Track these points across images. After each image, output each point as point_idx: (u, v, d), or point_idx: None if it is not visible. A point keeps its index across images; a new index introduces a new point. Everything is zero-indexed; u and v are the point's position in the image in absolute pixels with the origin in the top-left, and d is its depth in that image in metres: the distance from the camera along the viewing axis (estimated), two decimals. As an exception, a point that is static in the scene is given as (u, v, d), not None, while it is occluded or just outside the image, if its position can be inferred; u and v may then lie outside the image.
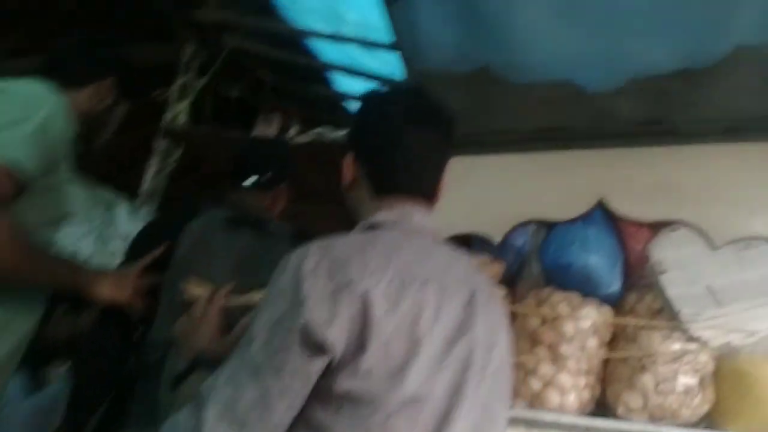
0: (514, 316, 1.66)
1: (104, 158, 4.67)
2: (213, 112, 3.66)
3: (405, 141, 1.06)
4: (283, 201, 1.72)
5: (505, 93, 1.58)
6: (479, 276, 1.07)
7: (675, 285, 1.44)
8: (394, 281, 0.90)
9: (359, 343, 0.86)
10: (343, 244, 0.95)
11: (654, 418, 1.41)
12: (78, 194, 2.81)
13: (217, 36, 3.50)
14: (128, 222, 3.20)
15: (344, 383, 0.85)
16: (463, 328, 0.95)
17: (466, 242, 1.76)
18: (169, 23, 3.82)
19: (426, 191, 1.12)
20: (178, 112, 3.01)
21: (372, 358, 0.86)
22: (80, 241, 2.92)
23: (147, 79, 3.76)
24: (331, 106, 4.24)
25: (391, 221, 1.04)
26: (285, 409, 0.85)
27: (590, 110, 1.59)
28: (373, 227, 1.03)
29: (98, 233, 3.01)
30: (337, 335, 0.85)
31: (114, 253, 3.10)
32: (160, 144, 3.79)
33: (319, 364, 0.86)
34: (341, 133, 2.13)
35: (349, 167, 1.11)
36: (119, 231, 3.12)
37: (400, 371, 0.87)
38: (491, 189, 1.74)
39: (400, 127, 1.07)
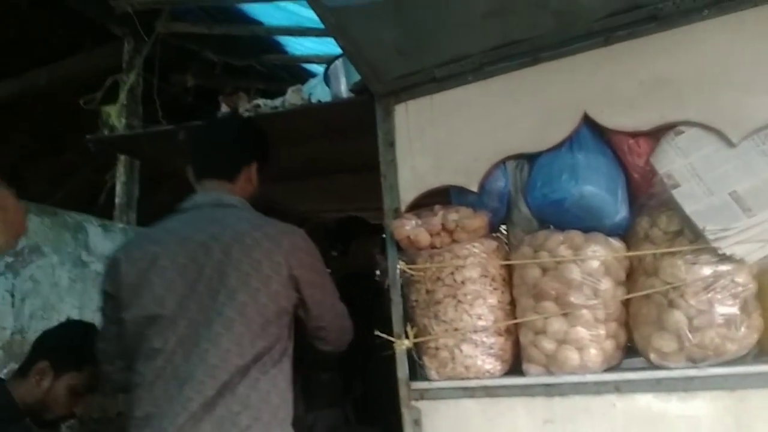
0: (510, 270, 1.39)
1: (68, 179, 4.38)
2: (169, 108, 3.35)
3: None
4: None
5: (439, 15, 1.26)
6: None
7: (692, 199, 1.15)
8: None
9: None
10: None
11: (694, 360, 1.15)
12: (35, 225, 2.52)
13: (149, 25, 3.15)
14: (104, 240, 2.94)
15: None
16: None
17: (445, 196, 1.48)
18: (99, 23, 3.47)
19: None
20: (108, 116, 2.71)
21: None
22: (56, 270, 2.68)
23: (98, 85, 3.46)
24: (291, 71, 3.90)
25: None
26: None
27: (550, 11, 1.27)
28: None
29: (73, 260, 2.76)
30: None
31: (98, 273, 2.87)
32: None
33: None
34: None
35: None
36: (97, 252, 2.87)
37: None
38: (454, 131, 1.44)
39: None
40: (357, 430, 2.33)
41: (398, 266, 1.43)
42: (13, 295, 2.44)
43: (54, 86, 4.05)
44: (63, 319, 2.53)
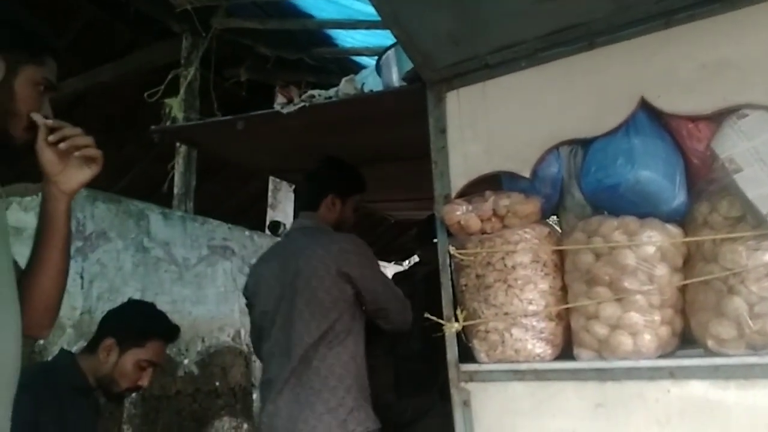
0: (561, 256, 1.37)
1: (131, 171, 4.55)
2: (223, 102, 3.45)
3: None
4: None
5: (492, 2, 1.26)
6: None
7: (756, 183, 1.11)
8: None
9: None
10: None
11: (754, 347, 1.11)
12: (102, 213, 2.64)
13: (206, 21, 3.24)
14: (165, 228, 3.06)
15: None
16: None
17: (495, 184, 1.48)
18: (158, 20, 3.58)
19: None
20: (170, 109, 2.80)
21: None
22: (121, 255, 2.80)
23: (158, 81, 3.59)
24: (341, 64, 3.94)
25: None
26: None
27: (609, -6, 1.24)
28: None
29: (135, 245, 2.88)
30: None
31: (159, 259, 2.99)
32: (180, 146, 3.63)
33: None
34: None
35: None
36: (158, 238, 2.99)
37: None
38: (506, 117, 1.43)
39: None
40: (443, 413, 2.40)
41: (448, 251, 1.44)
42: (82, 278, 2.57)
43: (117, 82, 4.23)
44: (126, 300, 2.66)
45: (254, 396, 3.40)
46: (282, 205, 4.40)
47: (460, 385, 1.37)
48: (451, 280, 1.45)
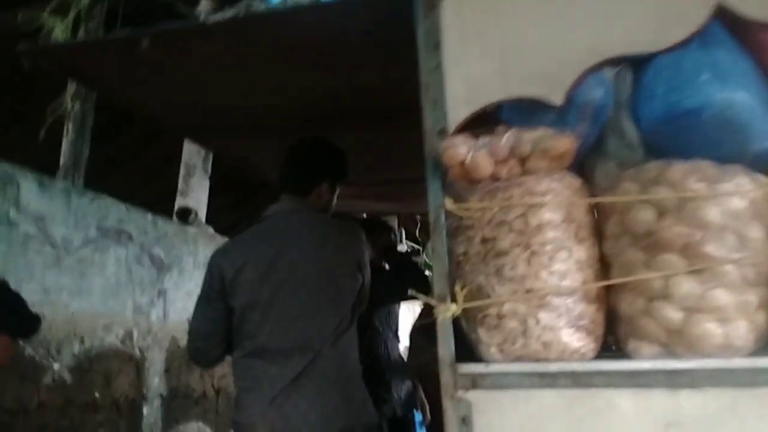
0: (606, 214, 0.97)
1: None
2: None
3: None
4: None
5: None
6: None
7: None
8: None
9: None
10: None
11: None
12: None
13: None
14: (40, 199, 2.36)
15: None
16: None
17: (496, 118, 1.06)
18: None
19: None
20: (52, 28, 2.14)
21: None
22: (-25, 228, 2.09)
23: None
24: None
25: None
26: None
27: None
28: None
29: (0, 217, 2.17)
30: None
31: (28, 236, 2.28)
32: (73, 105, 2.93)
33: None
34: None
35: None
36: (29, 211, 2.29)
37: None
38: (530, 27, 1.02)
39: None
40: None
41: (443, 206, 1.00)
42: None
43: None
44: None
45: (144, 410, 2.73)
46: (194, 193, 3.75)
47: (457, 394, 0.91)
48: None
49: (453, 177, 1.00)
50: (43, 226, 2.34)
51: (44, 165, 2.81)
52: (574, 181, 0.98)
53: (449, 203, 0.98)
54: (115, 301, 2.64)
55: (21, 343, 2.04)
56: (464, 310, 0.94)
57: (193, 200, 3.65)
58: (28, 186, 2.30)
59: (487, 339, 0.92)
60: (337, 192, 1.85)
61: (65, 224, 2.44)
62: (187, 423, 2.99)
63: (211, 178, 3.91)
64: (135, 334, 2.73)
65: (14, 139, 3.90)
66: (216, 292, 1.67)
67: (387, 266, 2.35)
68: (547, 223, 0.94)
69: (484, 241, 0.96)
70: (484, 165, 0.96)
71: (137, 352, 2.73)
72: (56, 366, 2.29)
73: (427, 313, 3.30)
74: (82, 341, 2.44)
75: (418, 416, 3.09)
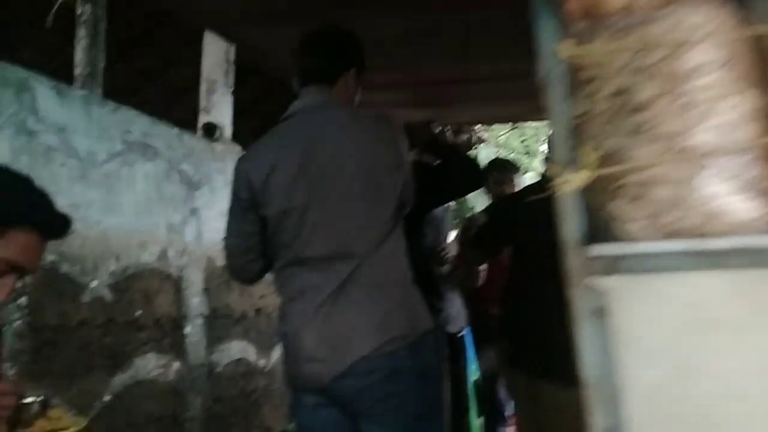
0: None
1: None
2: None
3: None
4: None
5: None
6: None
7: None
8: None
9: None
10: None
11: None
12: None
13: None
14: (60, 108, 2.19)
15: None
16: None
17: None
18: None
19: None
20: None
21: None
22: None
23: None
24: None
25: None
26: None
27: None
28: None
29: (16, 126, 2.01)
30: None
31: (50, 148, 2.13)
32: (83, 8, 2.69)
33: None
34: None
35: None
36: (49, 121, 2.13)
37: None
38: None
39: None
40: None
41: (558, 51, 0.78)
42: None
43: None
44: None
45: (187, 330, 2.68)
46: (218, 110, 3.54)
47: (589, 281, 0.74)
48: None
49: (571, 12, 0.78)
50: (65, 137, 2.18)
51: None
52: (735, 14, 0.76)
53: (569, 46, 0.77)
54: (147, 218, 2.51)
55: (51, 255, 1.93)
56: (596, 181, 0.75)
57: (217, 117, 3.45)
58: (44, 93, 2.11)
59: (627, 213, 0.73)
60: (361, 85, 1.66)
61: (88, 136, 2.27)
62: (230, 342, 2.95)
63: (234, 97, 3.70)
64: (170, 253, 2.63)
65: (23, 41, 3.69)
66: (246, 203, 1.53)
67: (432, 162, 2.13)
68: (704, 64, 0.72)
69: (617, 93, 0.76)
70: (620, -8, 0.74)
71: (174, 272, 2.64)
72: (94, 284, 2.20)
73: (468, 226, 3.15)
74: (117, 259, 2.34)
75: (469, 335, 3.01)
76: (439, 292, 2.03)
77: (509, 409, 3.13)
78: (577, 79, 0.79)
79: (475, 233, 2.41)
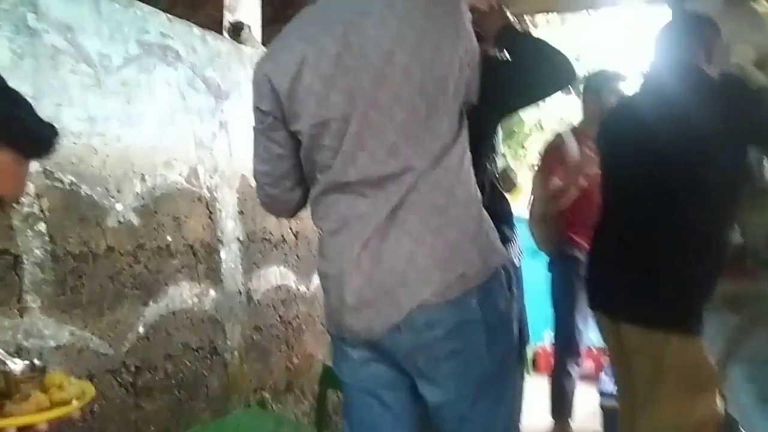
0: None
1: None
2: None
3: None
4: None
5: None
6: None
7: None
8: None
9: None
10: None
11: None
12: None
13: None
14: (64, 3, 1.86)
15: None
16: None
17: None
18: None
19: None
20: None
21: None
22: (-12, 39, 1.65)
23: None
24: None
25: None
26: None
27: None
28: None
29: (15, 21, 1.71)
30: None
31: (57, 50, 1.83)
32: None
33: None
34: None
35: None
36: (52, 18, 1.81)
37: None
38: None
39: None
40: None
41: None
42: None
43: None
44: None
45: (222, 255, 2.48)
46: (242, 6, 3.16)
47: None
48: None
49: None
50: (73, 38, 1.87)
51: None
52: None
53: None
54: (172, 131, 2.24)
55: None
56: None
57: (243, 15, 3.07)
58: (43, -16, 1.79)
59: None
60: None
61: (99, 36, 1.96)
62: (268, 267, 2.75)
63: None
64: (200, 171, 2.38)
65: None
66: (271, 117, 1.21)
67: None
68: None
69: None
70: None
71: (206, 192, 2.40)
72: (118, 207, 1.98)
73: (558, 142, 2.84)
74: (143, 179, 2.09)
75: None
76: (510, 219, 1.73)
77: (583, 342, 3.00)
78: None
79: None
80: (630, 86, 2.65)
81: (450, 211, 1.17)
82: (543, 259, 3.06)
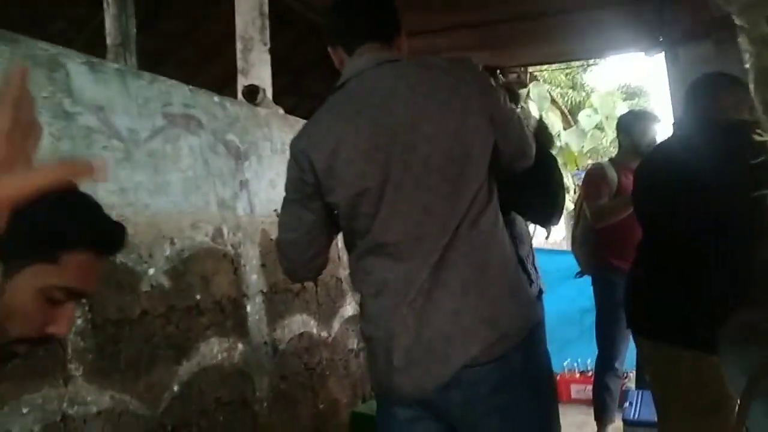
0: None
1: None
2: None
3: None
4: None
5: None
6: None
7: None
8: None
9: None
10: None
11: None
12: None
13: None
14: (95, 85, 2.01)
15: None
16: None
17: None
18: None
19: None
20: None
21: None
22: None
23: None
24: None
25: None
26: None
27: None
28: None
29: (54, 108, 1.85)
30: None
31: (90, 129, 1.97)
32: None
33: None
34: None
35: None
36: (86, 100, 1.96)
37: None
38: None
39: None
40: None
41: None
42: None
43: None
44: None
45: (248, 308, 2.57)
46: (256, 70, 3.33)
47: None
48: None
49: None
50: (104, 116, 2.02)
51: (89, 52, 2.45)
52: None
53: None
54: (197, 195, 2.36)
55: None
56: None
57: (256, 78, 3.24)
58: (77, 70, 1.94)
59: None
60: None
61: (128, 113, 2.10)
62: (292, 317, 2.84)
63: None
64: (225, 230, 2.49)
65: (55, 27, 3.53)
66: (309, 190, 1.30)
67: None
68: None
69: None
70: None
71: (230, 249, 2.51)
72: (151, 271, 2.08)
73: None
74: (172, 242, 2.21)
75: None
76: (533, 264, 1.84)
77: (621, 364, 3.23)
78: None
79: None
80: (658, 125, 2.98)
81: (489, 269, 1.23)
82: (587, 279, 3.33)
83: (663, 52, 2.97)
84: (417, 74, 1.30)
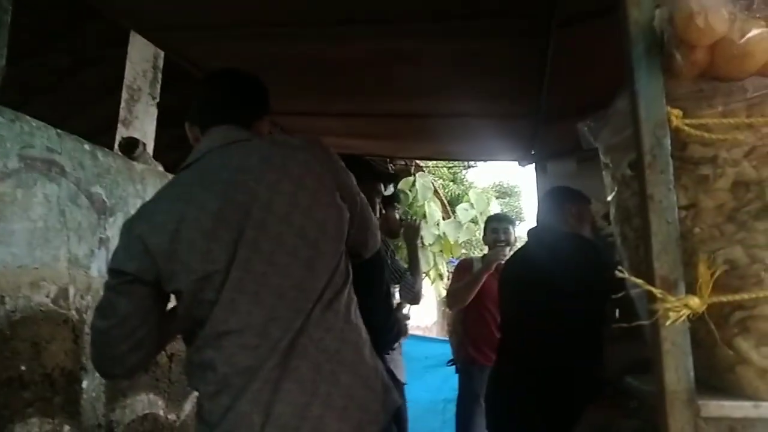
0: None
1: None
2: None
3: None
4: None
5: None
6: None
7: None
8: None
9: None
10: None
11: None
12: None
13: None
14: (-63, 112, 1.74)
15: None
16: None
17: None
18: None
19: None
20: None
21: None
22: None
23: None
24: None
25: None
26: None
27: None
28: None
29: None
30: None
31: None
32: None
33: None
34: None
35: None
36: None
37: None
38: None
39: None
40: None
41: (668, 120, 0.57)
42: None
43: None
44: None
45: (84, 384, 2.23)
46: (139, 123, 3.13)
47: (704, 452, 0.52)
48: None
49: (687, 70, 0.57)
50: None
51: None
52: None
53: (678, 117, 0.56)
54: (45, 250, 2.08)
55: None
56: (709, 309, 0.53)
57: (138, 131, 3.04)
58: None
59: (758, 358, 0.52)
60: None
61: (-26, 149, 1.84)
62: (136, 395, 2.51)
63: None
64: (71, 292, 2.19)
65: None
66: (131, 277, 1.14)
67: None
68: None
69: (741, 185, 0.55)
70: (756, 49, 0.54)
71: (74, 314, 2.20)
72: (-33, 334, 1.75)
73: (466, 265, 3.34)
74: (2, 301, 1.89)
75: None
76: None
77: None
78: (686, 159, 0.58)
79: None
80: (510, 227, 3.34)
81: (342, 356, 1.14)
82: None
83: (534, 164, 3.27)
84: (270, 150, 1.23)
